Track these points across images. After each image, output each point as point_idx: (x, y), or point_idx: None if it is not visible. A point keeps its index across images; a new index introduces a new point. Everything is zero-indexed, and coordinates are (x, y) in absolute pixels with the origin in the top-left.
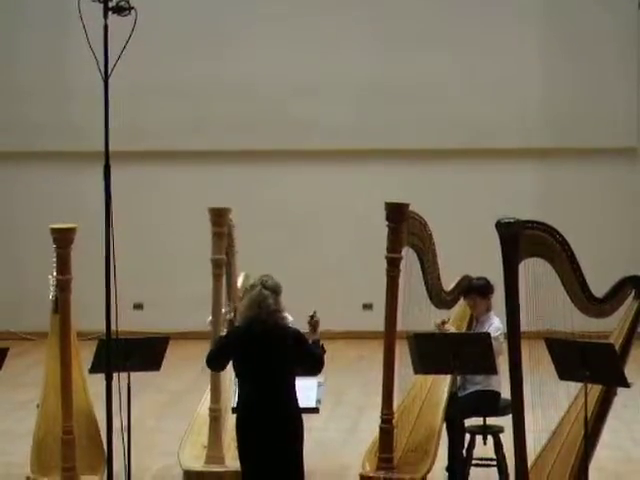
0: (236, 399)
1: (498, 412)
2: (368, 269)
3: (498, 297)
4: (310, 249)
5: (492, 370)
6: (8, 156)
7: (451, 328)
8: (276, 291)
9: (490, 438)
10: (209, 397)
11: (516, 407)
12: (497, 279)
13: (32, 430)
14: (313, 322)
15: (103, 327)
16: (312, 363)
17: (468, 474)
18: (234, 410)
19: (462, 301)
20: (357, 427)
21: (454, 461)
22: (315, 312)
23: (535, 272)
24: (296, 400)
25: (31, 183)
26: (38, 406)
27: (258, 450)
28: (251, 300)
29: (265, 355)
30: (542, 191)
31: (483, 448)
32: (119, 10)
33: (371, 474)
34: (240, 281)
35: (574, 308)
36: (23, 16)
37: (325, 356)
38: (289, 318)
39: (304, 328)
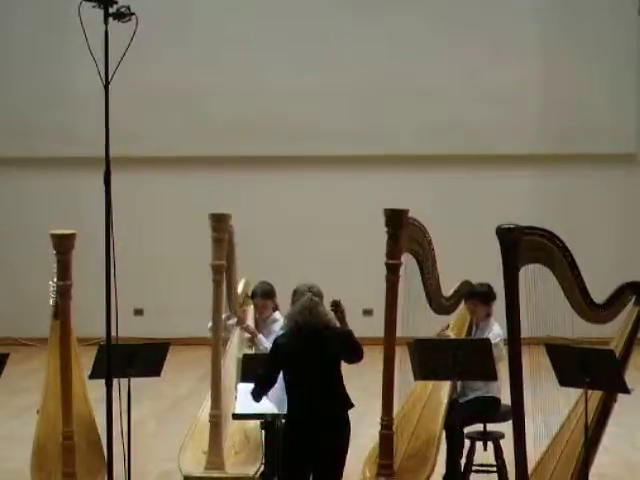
0: (235, 402)
1: (498, 418)
2: (368, 275)
3: (498, 303)
4: (310, 255)
5: (492, 376)
6: (6, 161)
7: (450, 334)
8: (321, 297)
9: (490, 444)
10: (209, 403)
11: (516, 413)
12: (497, 285)
13: (32, 435)
14: (339, 313)
15: (103, 333)
16: (356, 354)
17: None
18: (235, 416)
19: (463, 306)
20: (357, 433)
21: (453, 470)
22: (338, 301)
23: (535, 278)
24: (346, 399)
25: (30, 189)
26: (38, 412)
27: (311, 448)
28: (302, 307)
29: (317, 356)
30: (542, 197)
31: (483, 454)
32: (120, 16)
33: None
34: (240, 287)
35: (574, 314)
36: (22, 20)
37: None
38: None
39: None
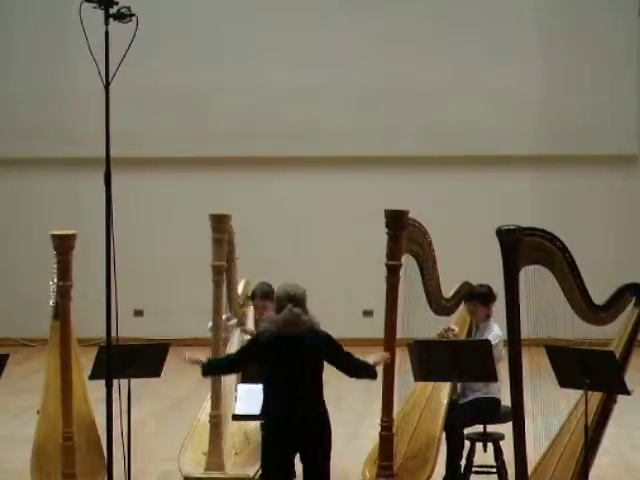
0: (235, 403)
1: (498, 419)
2: (368, 276)
3: (498, 304)
4: (310, 256)
5: (492, 377)
6: (6, 162)
7: (455, 328)
8: (303, 302)
9: (490, 445)
10: (209, 403)
11: (516, 414)
12: (497, 286)
13: (32, 436)
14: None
15: (103, 333)
16: (359, 368)
17: None
18: (235, 417)
19: (463, 307)
20: (357, 434)
21: (453, 471)
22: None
23: (535, 279)
24: (324, 403)
25: (30, 189)
26: (38, 412)
27: (288, 451)
28: (286, 320)
29: (298, 359)
30: (542, 198)
31: (483, 455)
32: (120, 17)
33: None
34: (240, 287)
35: (574, 315)
36: (23, 21)
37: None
38: None
39: None
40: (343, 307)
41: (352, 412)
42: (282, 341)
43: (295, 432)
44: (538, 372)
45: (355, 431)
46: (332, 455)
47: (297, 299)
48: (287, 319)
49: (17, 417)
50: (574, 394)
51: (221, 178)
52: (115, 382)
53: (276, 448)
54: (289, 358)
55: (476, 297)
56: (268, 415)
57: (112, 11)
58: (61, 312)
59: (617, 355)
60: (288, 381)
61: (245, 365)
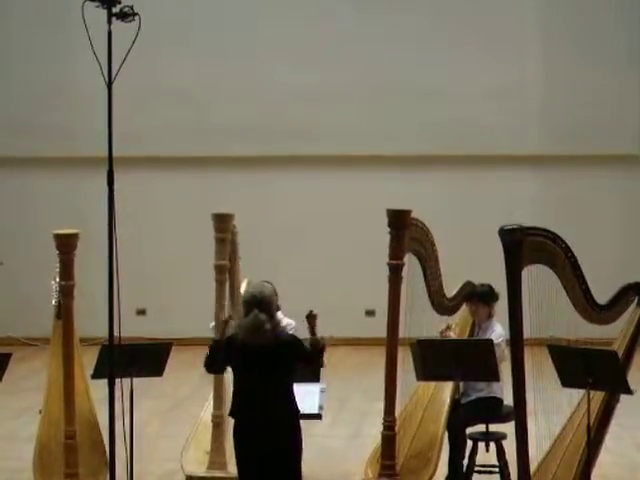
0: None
1: (500, 419)
2: (370, 275)
3: (500, 304)
4: (312, 255)
5: (495, 377)
6: (8, 161)
7: (452, 334)
8: (269, 305)
9: (492, 445)
10: (212, 403)
11: (518, 414)
12: (499, 285)
13: (35, 435)
14: (311, 327)
15: (106, 333)
16: (310, 359)
17: None
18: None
19: (466, 306)
20: (359, 433)
21: (455, 471)
22: (313, 314)
23: (538, 279)
24: (293, 405)
25: (32, 189)
26: (41, 412)
27: (253, 454)
28: (248, 326)
29: (262, 365)
30: (544, 198)
31: (485, 455)
32: (123, 16)
33: None
34: (243, 287)
35: (577, 315)
36: (24, 20)
37: (325, 353)
38: (292, 323)
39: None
40: (345, 307)
41: (354, 411)
42: (247, 348)
43: (259, 435)
44: (540, 372)
45: (357, 430)
46: (335, 455)
47: (263, 303)
48: (250, 327)
49: (19, 416)
50: (576, 394)
51: (223, 177)
52: (117, 381)
53: (243, 450)
54: (253, 365)
55: (477, 297)
56: (234, 414)
57: (115, 10)
58: (63, 311)
59: (620, 355)
60: (252, 385)
61: (226, 364)
